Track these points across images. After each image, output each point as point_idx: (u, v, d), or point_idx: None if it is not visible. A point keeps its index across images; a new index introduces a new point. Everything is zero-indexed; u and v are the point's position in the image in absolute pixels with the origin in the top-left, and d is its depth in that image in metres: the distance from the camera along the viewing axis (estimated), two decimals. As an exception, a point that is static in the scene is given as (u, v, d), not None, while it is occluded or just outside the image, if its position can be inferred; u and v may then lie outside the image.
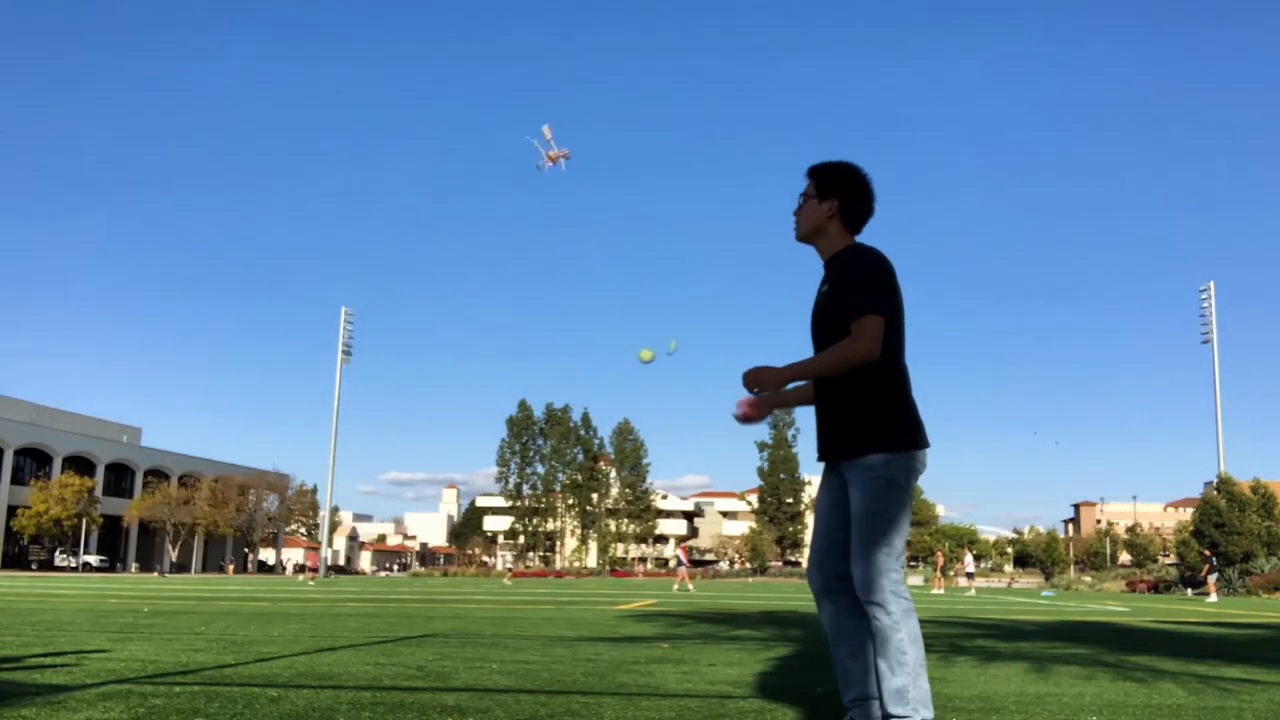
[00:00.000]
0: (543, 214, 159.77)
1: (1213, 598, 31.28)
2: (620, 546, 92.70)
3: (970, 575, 39.13)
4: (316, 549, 76.53)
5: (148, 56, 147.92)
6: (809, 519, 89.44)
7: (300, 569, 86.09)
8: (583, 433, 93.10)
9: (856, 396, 2.93)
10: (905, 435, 2.92)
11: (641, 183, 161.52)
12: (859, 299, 2.91)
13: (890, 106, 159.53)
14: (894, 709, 2.81)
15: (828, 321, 3.01)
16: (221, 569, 75.02)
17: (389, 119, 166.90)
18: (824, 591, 3.03)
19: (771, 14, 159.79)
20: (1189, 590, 42.59)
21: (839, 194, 3.09)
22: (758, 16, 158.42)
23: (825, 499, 3.07)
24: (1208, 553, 37.61)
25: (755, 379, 2.99)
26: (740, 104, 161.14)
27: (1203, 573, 34.71)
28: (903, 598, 2.85)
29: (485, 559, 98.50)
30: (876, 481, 2.88)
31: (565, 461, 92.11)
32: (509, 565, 47.88)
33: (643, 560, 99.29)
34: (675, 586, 30.59)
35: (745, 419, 3.01)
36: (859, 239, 3.13)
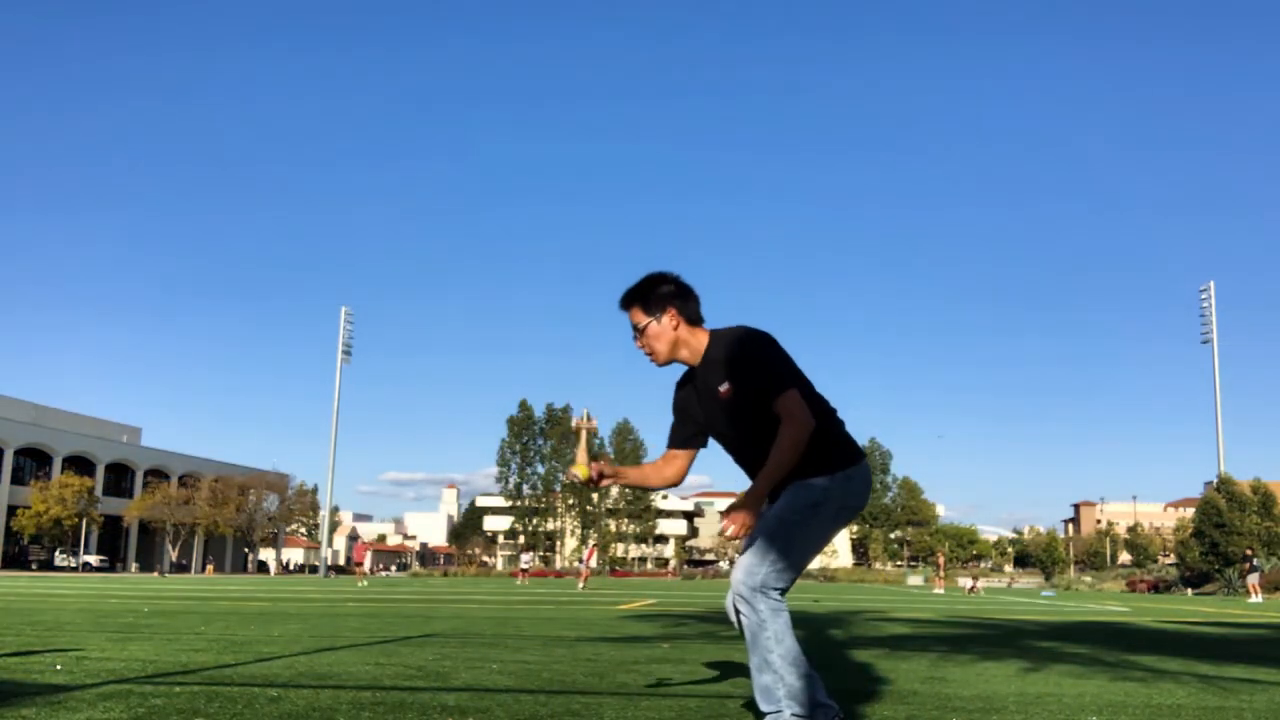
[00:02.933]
0: (544, 213, 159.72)
1: (1256, 598, 30.20)
2: (620, 546, 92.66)
3: (971, 587, 38.47)
4: (317, 548, 76.27)
5: (150, 58, 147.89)
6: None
7: (336, 569, 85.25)
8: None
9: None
10: (842, 458, 2.98)
11: (643, 183, 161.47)
12: (770, 381, 2.89)
13: (892, 106, 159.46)
14: (763, 705, 2.82)
15: (740, 414, 2.98)
16: (185, 568, 74.38)
17: (388, 119, 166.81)
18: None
19: (785, 24, 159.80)
20: (1189, 590, 42.58)
21: (671, 302, 3.05)
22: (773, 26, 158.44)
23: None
24: (1250, 551, 36.86)
25: (740, 519, 2.85)
26: (747, 108, 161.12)
27: (1244, 571, 34.06)
28: (772, 599, 2.83)
29: (485, 559, 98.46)
30: (803, 498, 2.91)
31: (566, 461, 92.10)
32: (525, 565, 47.33)
33: (642, 560, 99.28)
34: (580, 585, 31.02)
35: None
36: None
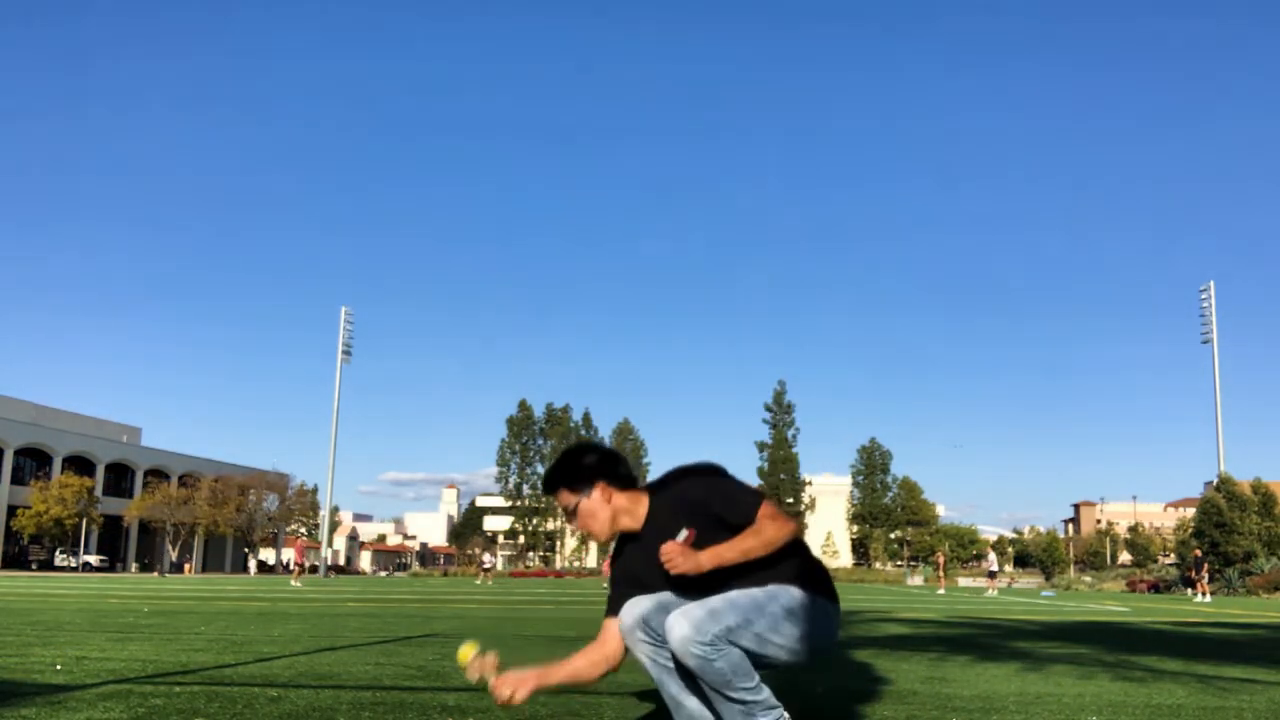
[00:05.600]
0: (544, 214, 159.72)
1: (1202, 598, 31.40)
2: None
3: (993, 574, 38.13)
4: (314, 547, 75.98)
5: (148, 58, 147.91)
6: (809, 518, 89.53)
7: (288, 567, 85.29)
8: (583, 432, 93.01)
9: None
10: (824, 583, 2.76)
11: (642, 182, 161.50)
12: (736, 504, 2.66)
13: (897, 106, 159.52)
14: None
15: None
16: (184, 568, 74.21)
17: (388, 120, 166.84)
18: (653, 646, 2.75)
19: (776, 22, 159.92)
20: (1189, 590, 42.59)
21: (597, 474, 2.79)
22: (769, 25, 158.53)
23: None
24: (1197, 554, 37.45)
25: (690, 560, 2.58)
26: (748, 110, 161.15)
27: (1189, 573, 35.57)
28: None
29: (485, 559, 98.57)
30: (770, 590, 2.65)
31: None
32: (486, 566, 47.78)
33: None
34: (479, 581, 31.56)
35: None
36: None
